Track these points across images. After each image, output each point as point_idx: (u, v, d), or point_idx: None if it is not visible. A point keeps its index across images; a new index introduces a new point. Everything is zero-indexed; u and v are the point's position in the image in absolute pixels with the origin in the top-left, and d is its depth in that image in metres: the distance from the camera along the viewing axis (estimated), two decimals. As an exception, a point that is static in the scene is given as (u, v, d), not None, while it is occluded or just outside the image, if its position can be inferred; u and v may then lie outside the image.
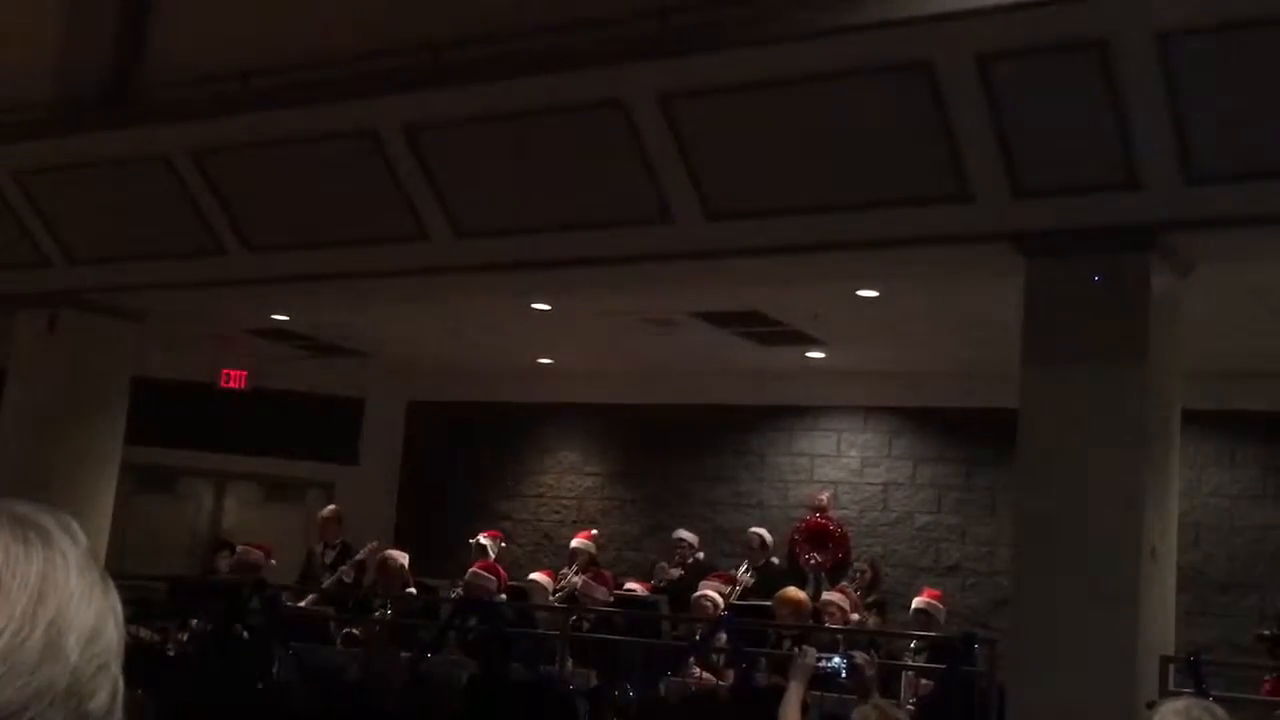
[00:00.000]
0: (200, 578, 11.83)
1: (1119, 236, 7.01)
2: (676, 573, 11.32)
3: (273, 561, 10.98)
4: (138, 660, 8.93)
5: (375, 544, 11.30)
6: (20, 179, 10.18)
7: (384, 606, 10.36)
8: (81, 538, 0.91)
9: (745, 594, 10.49)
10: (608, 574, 10.94)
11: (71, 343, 10.68)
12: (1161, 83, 6.50)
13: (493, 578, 9.97)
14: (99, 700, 0.87)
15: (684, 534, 11.81)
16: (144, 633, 9.58)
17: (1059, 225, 7.12)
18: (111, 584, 0.91)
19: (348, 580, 11.03)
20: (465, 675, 8.66)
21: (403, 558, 10.67)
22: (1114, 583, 6.87)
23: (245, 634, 9.39)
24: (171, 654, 9.44)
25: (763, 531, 11.38)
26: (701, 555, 11.66)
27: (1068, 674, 6.82)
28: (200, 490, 14.97)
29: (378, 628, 9.98)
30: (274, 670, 9.04)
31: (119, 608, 0.91)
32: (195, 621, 9.72)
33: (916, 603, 9.59)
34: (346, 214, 9.13)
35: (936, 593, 9.98)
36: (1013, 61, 6.78)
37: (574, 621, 9.54)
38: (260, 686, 8.80)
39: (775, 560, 11.21)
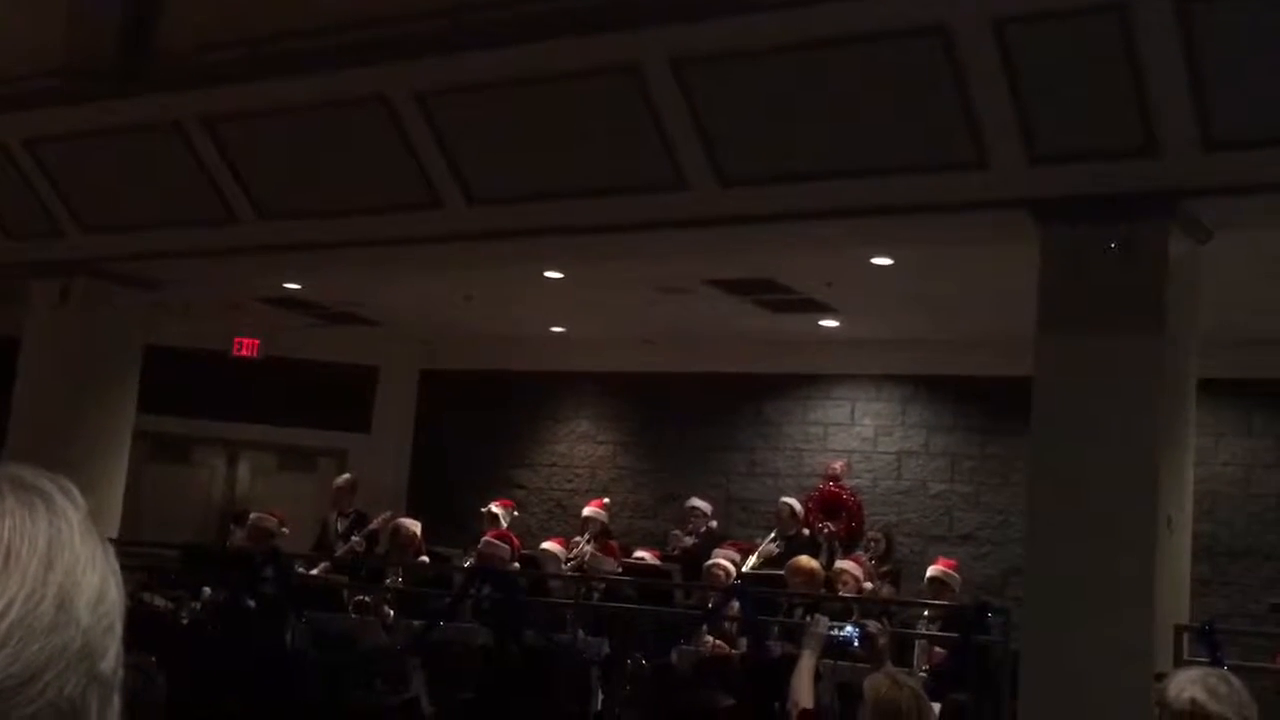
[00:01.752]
0: (214, 546, 11.86)
1: (1136, 203, 6.95)
2: (690, 541, 11.33)
3: (285, 530, 11.01)
4: (151, 628, 8.99)
5: (389, 514, 11.32)
6: (33, 148, 10.17)
7: (396, 575, 10.39)
8: (81, 501, 0.91)
9: (769, 563, 10.50)
10: (615, 545, 10.94)
11: (85, 312, 10.69)
12: (1180, 47, 6.43)
13: (506, 546, 9.98)
14: (109, 660, 0.88)
15: (698, 502, 11.81)
16: (158, 600, 9.62)
17: (1075, 192, 7.06)
18: (109, 546, 0.92)
19: (359, 550, 11.05)
20: (479, 643, 8.69)
21: (415, 526, 10.69)
22: (1129, 551, 6.84)
23: (257, 602, 9.41)
24: (185, 622, 9.47)
25: (794, 502, 11.35)
26: (715, 524, 11.66)
27: (1082, 643, 6.80)
28: (214, 459, 15.01)
29: (389, 595, 10.01)
30: (287, 638, 9.06)
31: (118, 569, 0.92)
32: (208, 590, 9.75)
33: (931, 571, 9.57)
34: (359, 181, 9.11)
35: (951, 561, 9.97)
36: (1029, 25, 6.72)
37: (586, 590, 9.55)
38: (273, 654, 8.83)
39: (806, 532, 11.18)
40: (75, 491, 0.92)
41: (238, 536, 11.59)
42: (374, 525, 11.26)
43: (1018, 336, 7.77)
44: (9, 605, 0.83)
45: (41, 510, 0.88)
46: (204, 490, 14.88)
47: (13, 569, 0.84)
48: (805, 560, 9.28)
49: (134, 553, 10.25)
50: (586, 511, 11.74)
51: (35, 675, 0.83)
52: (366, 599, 10.05)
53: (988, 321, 10.45)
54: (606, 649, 8.61)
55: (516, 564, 9.99)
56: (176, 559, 10.37)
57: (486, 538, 10.17)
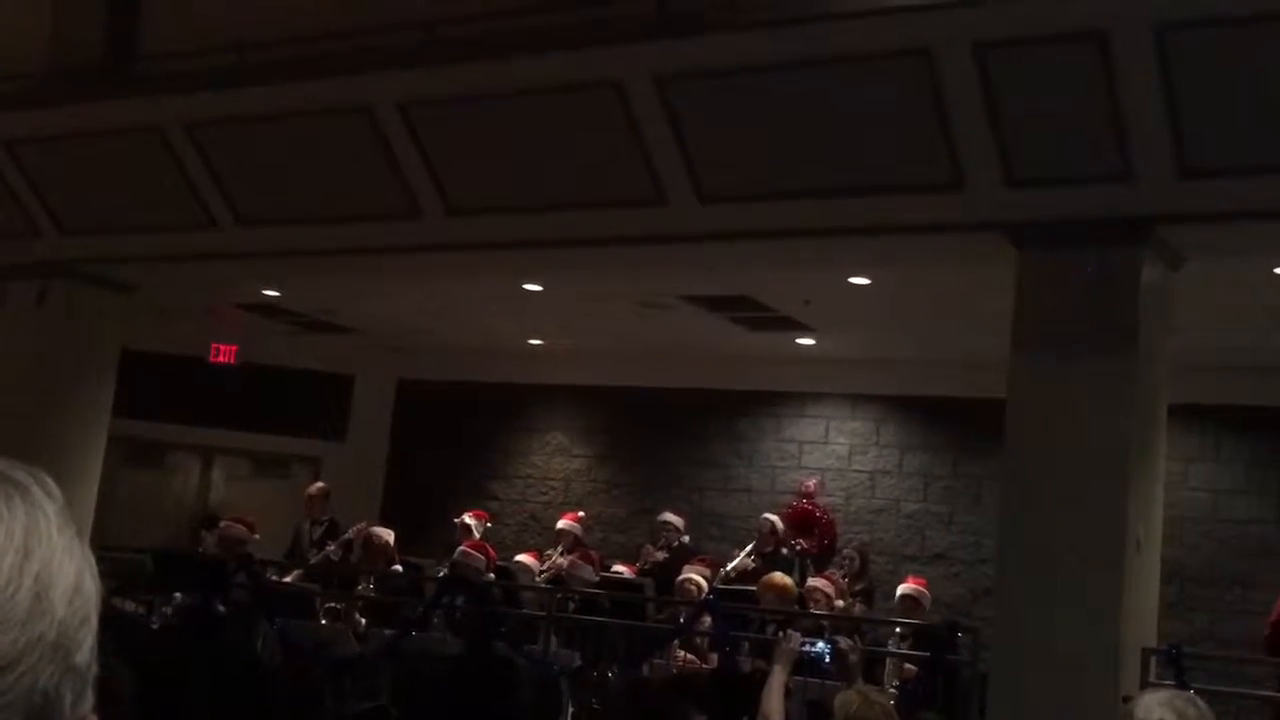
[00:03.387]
0: (186, 551, 11.82)
1: (1111, 228, 7.01)
2: (661, 555, 11.32)
3: (256, 536, 10.97)
4: (121, 631, 8.95)
5: (364, 524, 11.29)
6: (12, 149, 10.14)
7: (368, 583, 10.36)
8: (57, 493, 0.91)
9: (742, 577, 10.51)
10: (595, 554, 10.94)
11: (61, 314, 10.64)
12: (1158, 76, 6.51)
13: (481, 557, 9.98)
14: (83, 652, 0.88)
15: (670, 516, 11.78)
16: (129, 605, 9.58)
17: (1051, 216, 7.13)
18: (85, 539, 0.92)
19: (335, 559, 11.02)
20: (449, 653, 8.68)
21: (387, 535, 10.67)
22: (1098, 574, 6.89)
23: (228, 608, 9.38)
24: (155, 626, 9.43)
25: (775, 518, 11.35)
26: (687, 539, 11.66)
27: (1050, 664, 6.84)
28: (188, 464, 14.96)
29: (360, 604, 9.99)
30: (258, 645, 9.03)
31: (94, 562, 0.91)
32: (179, 595, 9.71)
33: (902, 589, 9.61)
34: (340, 190, 9.11)
35: (922, 580, 10.01)
36: (1010, 50, 6.78)
37: (559, 601, 9.55)
38: (243, 660, 8.80)
39: (785, 551, 11.15)
40: (51, 483, 0.91)
41: (208, 542, 11.54)
42: (349, 535, 11.22)
43: (992, 358, 7.83)
44: None
45: (18, 501, 0.87)
46: (178, 495, 14.82)
47: None
48: (778, 577, 9.31)
49: (106, 557, 10.18)
50: (561, 524, 11.74)
51: (9, 666, 0.82)
52: (338, 607, 10.03)
53: (962, 342, 10.50)
54: (578, 661, 8.61)
55: (491, 575, 9.99)
56: (149, 564, 10.32)
57: (462, 548, 10.16)
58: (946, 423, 12.13)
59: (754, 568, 10.69)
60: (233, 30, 8.89)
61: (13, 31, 9.77)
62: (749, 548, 11.13)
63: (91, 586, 0.90)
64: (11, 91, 9.66)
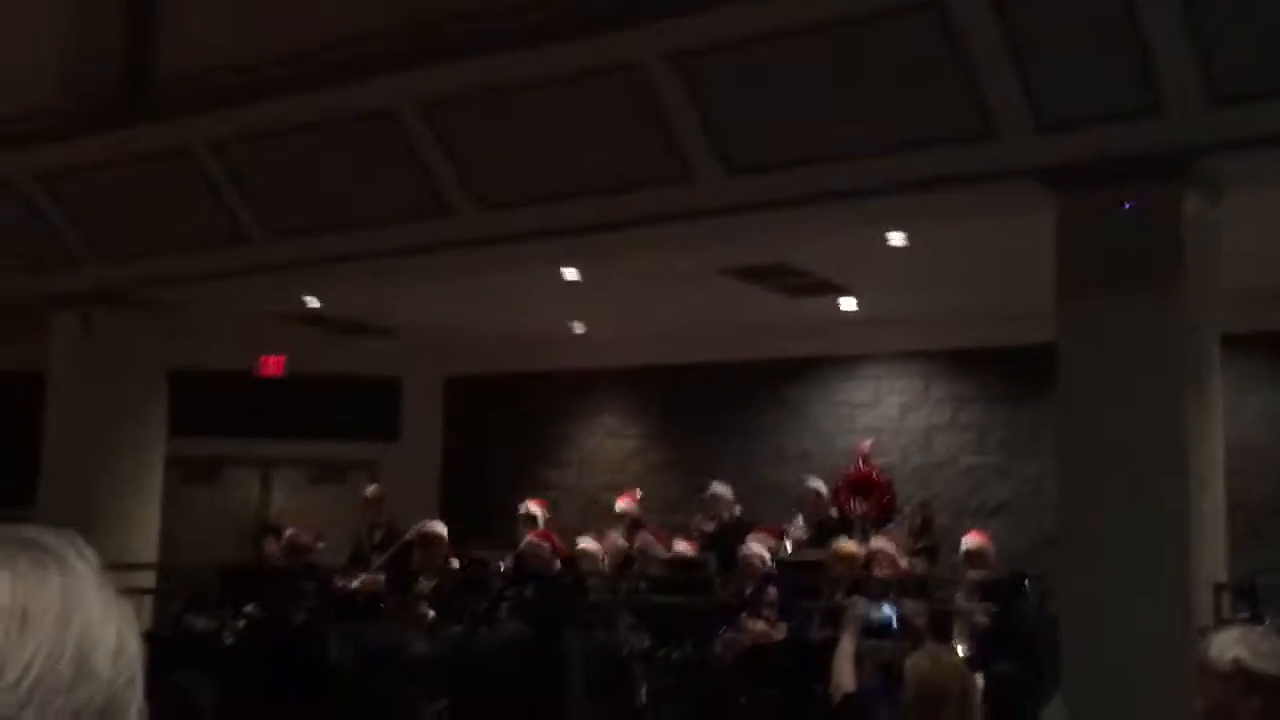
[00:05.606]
0: (251, 565, 11.92)
1: (1147, 165, 6.92)
2: (712, 526, 11.23)
3: (321, 544, 11.04)
4: (195, 650, 9.05)
5: (422, 525, 11.31)
6: (44, 182, 10.23)
7: (429, 580, 10.39)
8: (91, 555, 0.92)
9: (799, 547, 10.48)
10: (661, 532, 10.93)
11: (107, 341, 10.74)
12: (1180, 2, 6.40)
13: (546, 544, 10.02)
14: (133, 712, 0.88)
15: (718, 488, 11.60)
16: (200, 622, 9.67)
17: (1085, 157, 7.04)
18: (124, 599, 0.92)
19: (381, 578, 10.95)
20: (519, 643, 8.71)
21: (440, 528, 10.70)
22: (1163, 513, 6.82)
23: (298, 617, 9.46)
24: (229, 642, 9.52)
25: (819, 484, 11.28)
26: (738, 510, 11.57)
27: (1121, 607, 6.79)
28: (245, 478, 15.08)
29: (427, 603, 10.04)
30: (330, 652, 9.11)
31: (134, 620, 0.92)
32: (249, 608, 9.80)
33: (966, 544, 9.55)
34: (369, 194, 9.14)
35: (985, 533, 9.94)
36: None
37: (624, 584, 9.58)
38: (316, 668, 8.88)
39: (833, 514, 11.10)
40: (84, 546, 0.92)
41: (271, 552, 11.61)
42: (408, 537, 11.26)
43: (1038, 305, 7.75)
44: (28, 665, 0.83)
45: (53, 568, 0.88)
46: (238, 510, 14.94)
47: (29, 630, 0.84)
48: (847, 545, 9.30)
49: (173, 576, 10.31)
50: (618, 506, 11.74)
51: None
52: (404, 607, 10.07)
53: (1006, 291, 10.41)
54: (647, 642, 8.63)
55: (558, 562, 10.02)
56: (215, 580, 10.42)
57: (529, 538, 10.20)
58: (997, 373, 12.04)
59: (809, 537, 10.65)
60: (247, 48, 8.92)
61: (32, 67, 9.84)
62: (798, 519, 11.09)
63: (135, 645, 0.90)
64: (40, 126, 9.74)
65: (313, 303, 12.27)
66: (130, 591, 7.49)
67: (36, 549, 0.89)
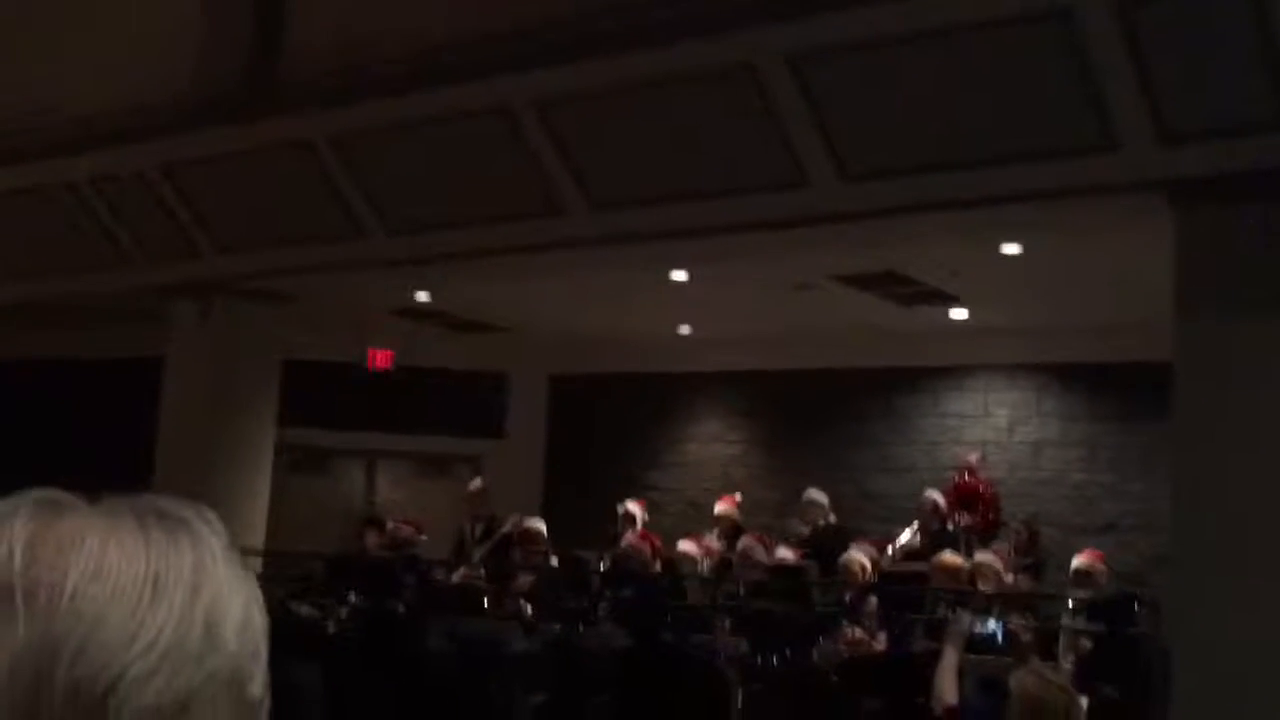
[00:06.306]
0: (356, 554, 12.10)
1: (1273, 180, 6.74)
2: (806, 531, 11.18)
3: (424, 537, 11.17)
4: (299, 637, 9.20)
5: (518, 517, 11.42)
6: (169, 173, 10.47)
7: (527, 575, 10.45)
8: (222, 529, 0.92)
9: (909, 556, 10.39)
10: (768, 538, 10.92)
11: (224, 329, 10.99)
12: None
13: (646, 547, 10.04)
14: (256, 685, 0.89)
15: (814, 494, 11.56)
16: (305, 609, 9.84)
17: (1209, 171, 6.86)
18: (250, 573, 0.93)
19: (482, 569, 11.06)
20: (617, 644, 8.73)
21: (539, 524, 10.77)
22: (1281, 538, 6.63)
23: (400, 609, 9.58)
24: (332, 630, 9.67)
25: (937, 495, 11.19)
26: (833, 517, 11.50)
27: (1237, 635, 6.60)
28: (352, 469, 15.31)
29: (526, 599, 10.10)
30: (430, 643, 9.21)
31: (260, 595, 0.92)
32: (352, 597, 9.94)
33: (1077, 562, 9.38)
34: (483, 192, 9.21)
35: (1098, 553, 9.75)
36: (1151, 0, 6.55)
37: (724, 590, 9.57)
38: (416, 659, 8.98)
39: (949, 527, 10.99)
40: (216, 520, 0.92)
41: (371, 543, 11.77)
42: (507, 528, 11.36)
43: (1153, 321, 7.59)
44: (159, 634, 0.83)
45: (185, 539, 0.88)
46: (344, 500, 15.17)
47: (160, 598, 0.84)
48: (950, 557, 9.20)
49: (280, 563, 10.49)
50: (718, 509, 11.73)
51: (187, 703, 0.83)
52: (504, 601, 10.16)
53: (1120, 306, 10.22)
54: (745, 648, 8.60)
55: (658, 563, 10.04)
56: (321, 568, 10.58)
57: (628, 538, 10.23)
58: (1110, 389, 11.82)
59: (920, 546, 10.56)
60: (371, 46, 9.03)
61: (162, 59, 10.06)
62: (914, 526, 11.00)
63: (260, 619, 0.91)
64: (165, 118, 9.96)
65: (423, 298, 12.42)
66: (239, 576, 7.61)
67: (170, 518, 0.89)
